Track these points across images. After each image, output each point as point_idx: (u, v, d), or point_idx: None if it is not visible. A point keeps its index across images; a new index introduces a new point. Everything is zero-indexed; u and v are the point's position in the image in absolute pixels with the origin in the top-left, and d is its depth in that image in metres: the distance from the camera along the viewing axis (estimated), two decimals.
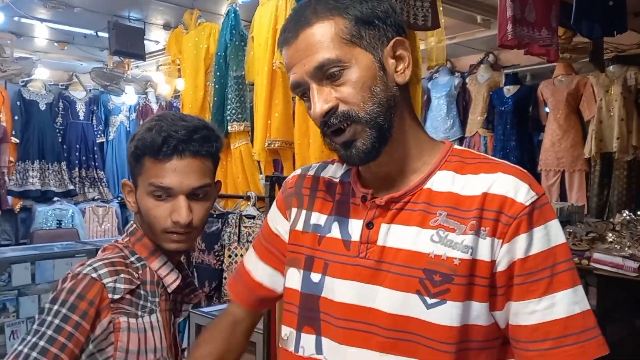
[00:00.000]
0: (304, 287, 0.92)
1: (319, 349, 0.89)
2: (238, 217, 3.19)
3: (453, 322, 0.80)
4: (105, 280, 1.04)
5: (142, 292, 1.10)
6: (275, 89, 3.07)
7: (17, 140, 6.09)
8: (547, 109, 4.79)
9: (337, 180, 0.97)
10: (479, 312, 0.82)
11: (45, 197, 6.26)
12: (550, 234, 0.83)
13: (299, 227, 0.97)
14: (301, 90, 0.87)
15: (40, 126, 6.24)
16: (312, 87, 0.83)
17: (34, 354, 0.96)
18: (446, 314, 0.80)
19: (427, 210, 0.85)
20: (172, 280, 1.15)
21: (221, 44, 3.55)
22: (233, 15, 3.51)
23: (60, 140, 6.47)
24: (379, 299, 0.84)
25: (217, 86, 3.57)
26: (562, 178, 4.66)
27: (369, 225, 0.88)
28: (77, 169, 6.53)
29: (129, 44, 4.32)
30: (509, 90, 5.05)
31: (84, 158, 6.59)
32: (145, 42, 4.56)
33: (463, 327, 0.80)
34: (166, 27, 4.58)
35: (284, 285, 0.98)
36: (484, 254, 0.81)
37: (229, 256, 3.16)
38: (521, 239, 0.81)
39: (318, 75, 0.83)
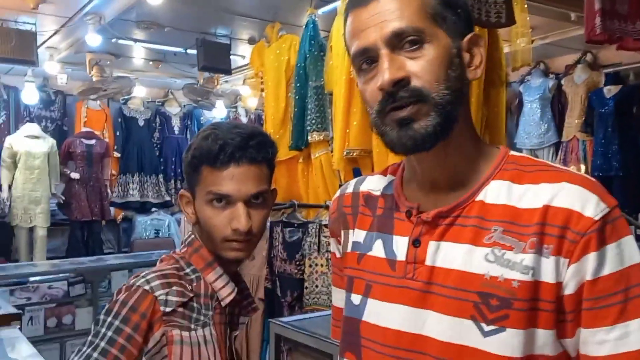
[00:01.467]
0: (346, 310, 0.87)
1: None
2: (318, 227, 3.18)
3: (515, 353, 0.71)
4: (157, 293, 1.04)
5: (195, 305, 1.09)
6: (353, 97, 3.04)
7: (119, 155, 6.50)
8: None
9: (378, 193, 0.90)
10: (544, 340, 0.72)
11: (144, 208, 6.64)
12: (624, 253, 0.72)
13: (348, 248, 0.91)
14: (364, 59, 0.76)
15: (139, 141, 6.63)
16: (383, 53, 0.74)
17: (98, 356, 0.98)
18: (506, 343, 0.71)
19: (480, 225, 0.76)
20: (227, 293, 1.13)
21: (301, 55, 3.58)
22: (312, 26, 3.52)
23: (157, 154, 6.84)
24: (428, 325, 0.76)
25: (297, 97, 3.60)
26: None
27: (415, 243, 0.80)
28: (172, 181, 6.86)
29: (215, 59, 4.47)
30: (610, 91, 4.71)
31: (179, 170, 6.90)
32: (232, 57, 4.71)
33: (527, 358, 0.71)
34: (251, 41, 4.70)
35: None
36: (547, 275, 0.72)
37: (310, 265, 3.15)
38: (591, 259, 0.71)
39: (393, 43, 0.74)
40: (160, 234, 6.57)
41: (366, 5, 0.76)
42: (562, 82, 5.11)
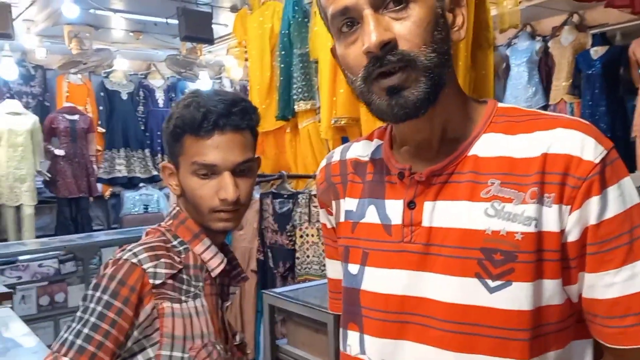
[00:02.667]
0: (345, 281, 0.85)
1: (362, 347, 0.81)
2: (308, 197, 3.17)
3: (523, 306, 0.70)
4: (145, 266, 1.02)
5: (185, 276, 1.08)
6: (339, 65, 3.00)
7: (103, 130, 6.41)
8: None
9: (367, 158, 0.87)
10: (552, 290, 0.71)
11: (131, 183, 6.58)
12: (625, 194, 0.71)
13: (341, 218, 0.88)
14: (345, 20, 0.71)
15: (123, 115, 6.54)
16: (366, 14, 0.69)
17: (79, 341, 0.97)
18: (513, 297, 0.70)
19: (475, 180, 0.74)
20: (216, 264, 1.11)
21: (285, 21, 3.51)
22: None
23: (142, 128, 6.74)
24: (431, 287, 0.74)
25: (282, 65, 3.54)
26: None
27: (410, 204, 0.77)
28: (159, 155, 6.78)
29: (197, 29, 4.38)
30: (597, 52, 4.67)
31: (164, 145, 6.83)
32: (214, 26, 4.61)
33: (536, 310, 0.70)
34: (233, 9, 4.60)
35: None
36: (550, 225, 0.70)
37: (301, 236, 3.15)
38: (593, 203, 0.69)
39: (377, 2, 0.69)
40: (149, 209, 6.54)
41: None
42: (549, 44, 5.07)
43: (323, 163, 0.94)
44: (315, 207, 3.09)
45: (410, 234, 0.77)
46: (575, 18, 4.91)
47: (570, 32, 4.91)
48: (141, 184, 6.61)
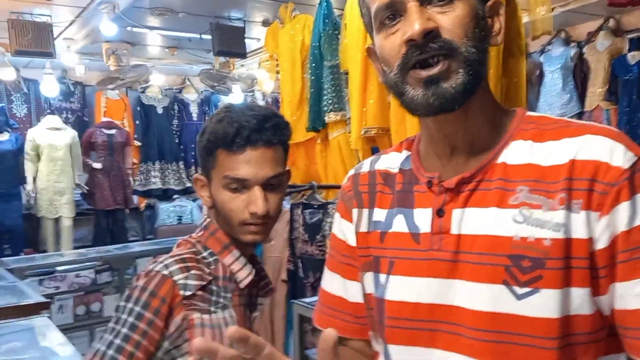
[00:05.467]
0: (376, 291, 0.83)
1: (387, 357, 0.80)
2: None
3: (552, 314, 0.68)
4: (176, 277, 1.05)
5: (214, 287, 1.10)
6: (369, 75, 3.00)
7: (139, 143, 6.55)
8: None
9: (396, 170, 0.86)
10: (581, 299, 0.69)
11: (166, 195, 6.70)
12: None
13: (363, 228, 0.87)
14: (391, 12, 0.73)
15: (159, 129, 6.67)
16: (410, 5, 0.71)
17: (110, 352, 0.99)
18: (541, 304, 0.69)
19: (504, 187, 0.74)
20: (245, 275, 1.13)
21: (315, 34, 3.53)
22: (325, 4, 3.47)
23: (177, 141, 6.87)
24: (460, 295, 0.73)
25: (313, 77, 3.56)
26: None
27: (439, 212, 0.77)
28: (193, 167, 6.89)
29: (230, 43, 4.45)
30: (634, 57, 4.57)
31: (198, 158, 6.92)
32: (246, 40, 4.68)
33: (564, 319, 0.69)
34: (265, 23, 4.65)
35: (364, 293, 0.88)
36: (579, 231, 0.69)
37: None
38: (623, 209, 0.68)
39: None
40: (183, 220, 6.64)
41: None
42: (584, 50, 4.98)
43: (351, 172, 0.94)
44: None
45: (439, 241, 0.76)
46: (611, 23, 4.82)
47: (606, 37, 4.82)
48: (175, 196, 6.72)
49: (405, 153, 0.87)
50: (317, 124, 3.57)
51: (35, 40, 4.24)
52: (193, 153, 6.85)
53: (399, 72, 0.73)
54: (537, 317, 0.69)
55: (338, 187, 3.43)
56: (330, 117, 3.47)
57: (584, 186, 0.69)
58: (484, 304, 0.71)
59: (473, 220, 0.75)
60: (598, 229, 0.69)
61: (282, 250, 3.36)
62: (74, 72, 5.94)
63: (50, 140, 5.53)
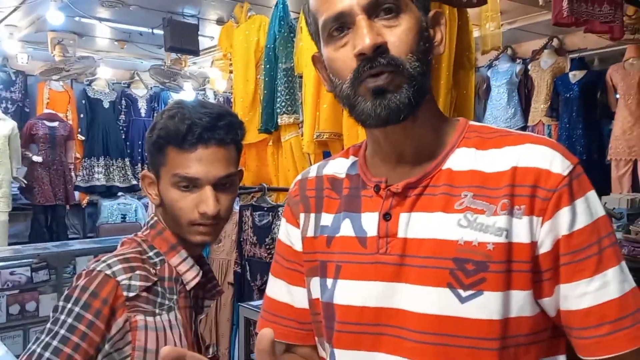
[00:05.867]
0: (322, 296, 0.83)
1: None
2: None
3: (493, 315, 0.71)
4: (119, 278, 1.01)
5: (159, 289, 1.06)
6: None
7: (83, 138, 6.34)
8: (617, 95, 4.50)
9: (343, 175, 0.88)
10: (522, 302, 0.72)
11: (110, 192, 6.51)
12: (591, 206, 0.74)
13: (310, 233, 0.87)
14: (339, 24, 0.74)
15: (105, 124, 6.48)
16: (359, 19, 0.73)
17: (47, 354, 0.94)
18: (484, 306, 0.71)
19: (449, 192, 0.76)
20: (192, 276, 1.10)
21: (270, 36, 3.52)
22: (282, 6, 3.47)
23: (123, 137, 6.69)
24: (405, 298, 0.75)
25: (267, 79, 3.55)
26: (635, 168, 4.37)
27: (385, 216, 0.78)
28: (139, 165, 6.73)
29: (183, 40, 4.37)
30: (575, 76, 4.78)
31: (146, 154, 6.77)
32: (200, 38, 4.61)
33: (505, 321, 0.71)
34: (219, 22, 4.61)
35: (309, 298, 0.88)
36: (521, 236, 0.72)
37: None
38: (564, 214, 0.71)
39: (370, 9, 0.73)
40: (127, 218, 6.47)
41: None
42: (529, 67, 5.18)
43: (298, 177, 0.94)
44: None
45: (385, 245, 0.77)
46: (555, 42, 5.03)
47: (550, 55, 5.02)
48: (120, 193, 6.54)
49: (352, 159, 0.88)
50: (270, 126, 3.55)
51: None
52: (140, 150, 6.70)
53: (350, 84, 0.74)
54: (480, 319, 0.71)
55: (289, 190, 3.44)
56: (283, 120, 3.46)
57: (527, 192, 0.72)
58: (428, 307, 0.73)
59: (419, 224, 0.76)
60: (541, 233, 0.72)
61: (230, 252, 3.32)
62: (16, 61, 5.70)
63: None
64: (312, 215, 0.88)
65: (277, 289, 0.92)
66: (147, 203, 6.60)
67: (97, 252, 4.28)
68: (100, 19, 4.64)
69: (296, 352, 0.92)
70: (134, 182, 6.58)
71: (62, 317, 0.98)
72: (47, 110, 5.95)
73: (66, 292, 1.01)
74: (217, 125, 1.05)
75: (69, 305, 0.98)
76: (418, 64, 0.74)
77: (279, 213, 3.19)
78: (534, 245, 0.72)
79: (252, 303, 2.77)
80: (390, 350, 0.75)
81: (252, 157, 3.85)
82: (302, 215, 0.89)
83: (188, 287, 1.10)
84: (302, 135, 3.39)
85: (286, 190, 3.44)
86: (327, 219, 0.86)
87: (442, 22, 0.80)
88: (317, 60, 0.82)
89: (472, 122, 0.83)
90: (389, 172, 0.81)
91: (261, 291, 3.21)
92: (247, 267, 3.27)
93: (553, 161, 0.73)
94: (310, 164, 3.52)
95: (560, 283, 0.73)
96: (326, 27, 0.76)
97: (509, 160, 0.75)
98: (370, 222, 0.80)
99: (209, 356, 1.17)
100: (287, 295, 0.91)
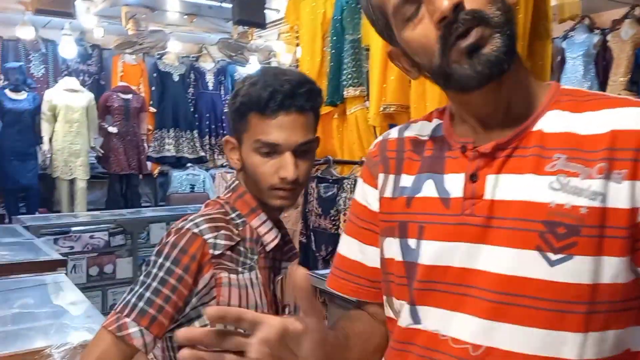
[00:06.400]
0: (405, 256, 0.83)
1: (415, 318, 0.80)
2: (353, 183, 3.18)
3: (582, 280, 0.69)
4: (206, 236, 1.06)
5: (241, 248, 1.11)
6: None
7: (155, 110, 6.56)
8: None
9: (426, 137, 0.87)
10: (615, 268, 0.70)
11: (179, 163, 6.73)
12: None
13: (388, 193, 0.87)
14: (411, 8, 0.73)
15: (174, 97, 6.67)
16: None
17: (141, 303, 1.01)
18: (574, 270, 0.69)
19: (541, 154, 0.74)
20: (271, 238, 1.15)
21: (337, 7, 3.50)
22: None
23: (192, 109, 6.87)
24: (489, 260, 0.74)
25: (333, 51, 3.54)
26: None
27: (472, 177, 0.76)
28: (207, 137, 6.91)
29: (250, 13, 4.42)
30: None
31: (213, 127, 6.94)
32: (266, 11, 4.65)
33: (594, 286, 0.70)
34: None
35: (381, 258, 0.88)
36: (619, 201, 0.69)
37: (345, 221, 3.17)
38: None
39: None
40: (196, 188, 6.68)
41: None
42: (608, 37, 4.91)
43: (379, 139, 0.94)
44: None
45: (471, 206, 0.76)
46: (637, 11, 4.73)
47: (631, 25, 4.74)
48: (189, 164, 6.75)
49: (436, 121, 0.87)
50: (336, 99, 3.55)
51: None
52: (208, 122, 6.87)
53: (440, 55, 0.72)
54: (569, 282, 0.70)
55: (354, 162, 3.44)
56: (349, 92, 3.45)
57: (629, 156, 0.70)
58: (512, 269, 0.72)
59: (508, 186, 0.75)
60: (637, 196, 0.69)
61: (295, 222, 3.38)
62: (92, 35, 5.94)
63: (67, 101, 5.56)
64: (392, 176, 0.88)
65: (350, 247, 0.93)
66: (215, 174, 6.79)
67: (169, 219, 4.47)
68: None
69: (366, 309, 0.93)
70: (202, 153, 6.78)
71: (154, 270, 1.04)
72: (121, 82, 6.19)
73: (157, 248, 1.07)
74: (298, 93, 1.07)
75: (160, 260, 1.05)
76: (500, 12, 0.71)
77: (344, 185, 3.21)
78: (634, 211, 0.69)
79: (317, 272, 2.83)
80: (472, 311, 0.75)
81: (318, 130, 3.88)
82: (380, 176, 0.89)
83: (267, 249, 1.15)
84: (367, 108, 3.38)
85: (351, 163, 3.45)
86: (407, 179, 0.85)
87: None
88: (394, 55, 0.81)
89: (564, 86, 0.80)
90: (476, 134, 0.79)
91: (326, 261, 3.26)
92: (312, 238, 3.32)
93: None
94: (376, 137, 3.51)
95: None
96: (398, 11, 0.74)
97: (607, 123, 0.72)
98: (454, 183, 0.79)
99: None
100: (359, 254, 0.92)
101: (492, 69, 0.71)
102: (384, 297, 0.89)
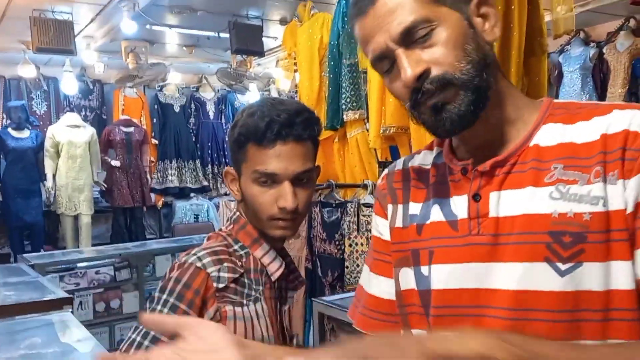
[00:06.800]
0: (419, 284, 0.83)
1: None
2: (357, 206, 3.18)
3: (593, 286, 0.69)
4: (209, 270, 1.05)
5: (246, 280, 1.10)
6: None
7: (157, 142, 6.60)
8: None
9: (429, 165, 0.88)
10: (625, 273, 0.69)
11: (183, 193, 6.74)
12: None
13: (398, 223, 0.88)
14: (387, 63, 0.77)
15: (176, 127, 6.72)
16: (398, 53, 0.74)
17: (146, 342, 1.00)
18: (584, 277, 0.69)
19: (538, 167, 0.75)
20: (275, 268, 1.14)
21: (334, 32, 3.54)
22: (344, 2, 3.47)
23: (194, 139, 6.91)
24: (501, 277, 0.74)
25: (331, 75, 3.56)
26: None
27: (475, 197, 0.78)
28: (209, 166, 6.94)
29: (248, 41, 4.48)
30: None
31: (215, 155, 6.98)
32: (264, 39, 4.70)
33: (607, 293, 0.69)
34: (283, 22, 4.68)
35: (397, 290, 0.88)
36: (617, 202, 0.70)
37: (350, 245, 3.15)
38: None
39: (405, 40, 0.74)
40: (200, 218, 6.68)
41: (365, 14, 0.76)
42: (604, 50, 4.93)
43: (385, 172, 0.96)
44: (364, 215, 3.09)
45: (477, 226, 0.77)
46: (632, 23, 4.76)
47: (627, 37, 4.76)
48: (192, 194, 6.76)
49: (437, 149, 0.89)
50: (335, 123, 3.57)
51: (56, 37, 4.29)
52: (210, 151, 6.89)
53: (411, 107, 0.77)
54: (581, 290, 0.69)
55: (356, 185, 3.43)
56: (348, 116, 3.47)
57: (617, 156, 0.71)
58: (523, 283, 0.72)
59: (510, 202, 0.75)
60: (626, 193, 0.70)
61: (301, 248, 3.37)
62: (93, 70, 6.01)
63: (70, 137, 5.60)
64: (400, 206, 0.89)
65: (374, 281, 0.93)
66: (218, 203, 6.80)
67: (174, 250, 4.46)
68: (170, 26, 4.82)
69: None
70: (205, 183, 6.80)
71: (159, 307, 1.03)
72: (122, 116, 6.24)
73: (161, 284, 1.07)
74: (295, 122, 1.07)
75: (164, 296, 1.04)
76: (470, 66, 0.73)
77: (348, 209, 3.20)
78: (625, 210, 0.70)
79: (324, 298, 2.80)
80: (492, 327, 0.73)
81: (319, 155, 3.84)
82: (389, 207, 0.91)
83: (273, 278, 1.14)
84: (368, 131, 3.39)
85: (354, 186, 3.45)
86: (415, 208, 0.87)
87: (489, 3, 0.78)
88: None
89: (556, 100, 0.81)
90: (475, 156, 0.80)
91: (332, 287, 3.23)
92: (318, 263, 3.30)
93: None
94: (377, 160, 3.51)
95: (637, 249, 0.69)
96: (377, 67, 0.79)
97: (598, 129, 0.73)
98: (459, 205, 0.80)
99: (294, 347, 1.20)
100: (385, 288, 0.91)
101: (459, 123, 0.74)
102: (403, 329, 0.87)
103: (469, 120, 0.74)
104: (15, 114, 5.47)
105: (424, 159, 0.90)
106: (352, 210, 3.15)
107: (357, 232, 3.12)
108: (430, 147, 0.91)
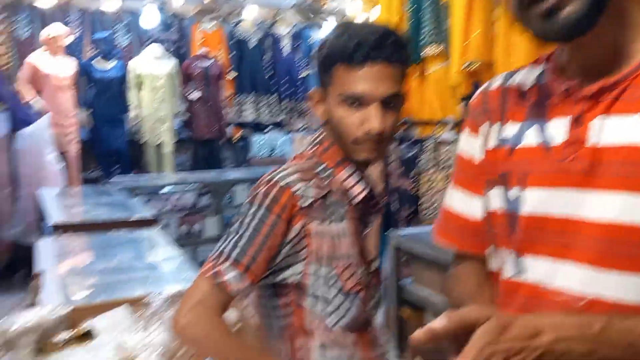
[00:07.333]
0: (508, 207, 0.81)
1: (519, 268, 0.79)
2: (435, 143, 3.15)
3: None
4: (296, 187, 1.06)
5: (330, 200, 1.11)
6: (474, 4, 2.88)
7: (234, 76, 6.68)
8: None
9: (530, 85, 0.83)
10: None
11: (259, 127, 6.86)
12: None
13: (492, 144, 0.85)
14: None
15: (252, 62, 6.75)
16: None
17: (237, 250, 1.04)
18: None
19: None
20: (358, 191, 1.14)
21: None
22: None
23: (270, 74, 6.95)
24: (594, 206, 0.70)
25: (412, 8, 3.47)
26: None
27: (576, 121, 0.73)
28: (286, 101, 6.98)
29: None
30: None
31: (291, 90, 7.00)
32: None
33: None
34: None
35: (486, 210, 0.86)
36: None
37: (427, 181, 3.15)
38: None
39: None
40: (275, 152, 6.80)
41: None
42: None
43: (481, 89, 0.92)
44: (443, 152, 3.07)
45: (574, 152, 0.73)
46: None
47: None
48: (267, 128, 6.87)
49: (541, 67, 0.84)
50: (415, 58, 3.50)
51: None
52: (286, 86, 6.93)
53: (518, 9, 0.71)
54: None
55: (434, 123, 3.39)
56: (429, 50, 3.39)
57: None
58: (622, 215, 0.68)
59: (615, 129, 0.70)
60: None
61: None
62: (171, 5, 6.08)
63: (152, 69, 5.76)
64: (495, 126, 0.86)
65: (459, 197, 0.92)
66: (293, 137, 6.88)
67: (252, 180, 4.61)
68: None
69: (471, 262, 0.93)
70: (281, 117, 6.87)
71: (248, 219, 1.06)
72: (201, 50, 6.33)
73: (248, 198, 1.09)
74: (384, 43, 1.05)
75: (253, 209, 1.06)
76: None
77: (424, 146, 3.18)
78: None
79: (400, 232, 2.84)
80: (579, 257, 0.72)
81: None
82: (484, 126, 0.88)
83: (355, 201, 1.14)
84: (448, 67, 3.30)
85: (432, 123, 3.40)
86: (510, 128, 0.83)
87: None
88: None
89: None
90: (582, 77, 0.75)
91: (407, 221, 3.27)
92: (394, 198, 3.33)
93: None
94: (456, 96, 3.43)
95: None
96: None
97: None
98: (558, 128, 0.76)
99: (372, 270, 1.22)
100: (465, 206, 0.91)
101: (572, 28, 0.68)
102: (489, 249, 0.87)
103: (583, 27, 0.68)
104: (102, 45, 5.67)
105: (526, 77, 0.85)
106: (430, 147, 3.13)
107: (436, 168, 3.10)
108: (536, 62, 0.86)
